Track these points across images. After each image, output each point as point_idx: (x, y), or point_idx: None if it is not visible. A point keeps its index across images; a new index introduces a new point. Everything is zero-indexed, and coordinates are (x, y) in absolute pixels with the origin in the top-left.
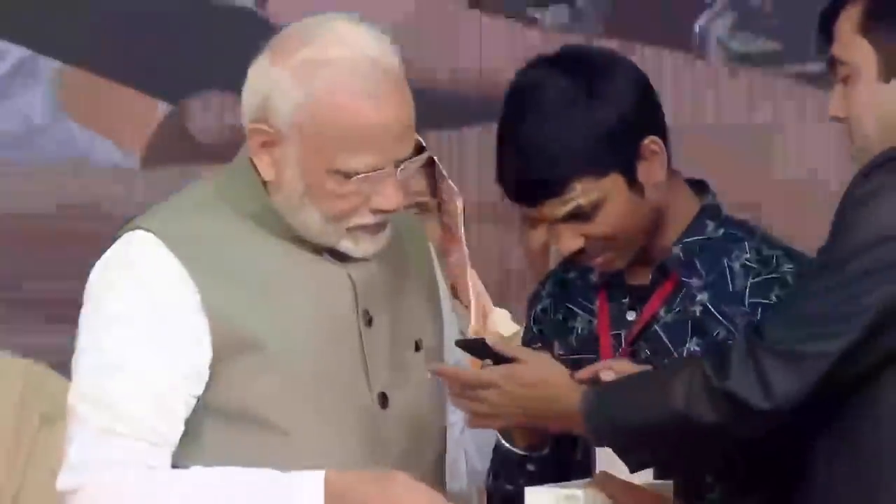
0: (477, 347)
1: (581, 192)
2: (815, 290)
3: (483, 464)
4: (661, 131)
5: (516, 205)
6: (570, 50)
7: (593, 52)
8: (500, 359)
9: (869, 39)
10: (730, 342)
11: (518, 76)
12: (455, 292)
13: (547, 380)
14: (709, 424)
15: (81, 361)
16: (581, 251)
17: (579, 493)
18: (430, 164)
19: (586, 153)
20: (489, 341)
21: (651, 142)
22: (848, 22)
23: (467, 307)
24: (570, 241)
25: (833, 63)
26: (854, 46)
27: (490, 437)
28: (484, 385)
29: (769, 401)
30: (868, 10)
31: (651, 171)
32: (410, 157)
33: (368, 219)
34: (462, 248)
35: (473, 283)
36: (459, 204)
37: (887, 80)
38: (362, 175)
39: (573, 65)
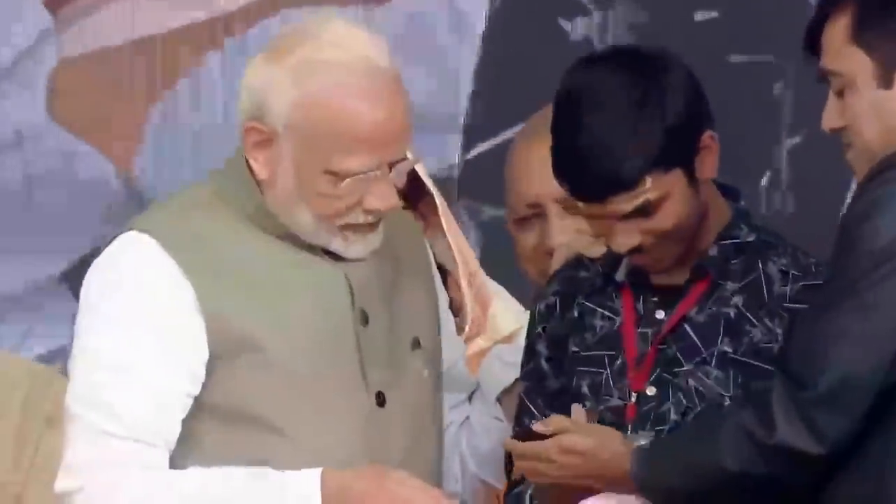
0: (526, 436)
1: (651, 187)
2: (834, 318)
3: (478, 465)
4: (713, 125)
5: (577, 200)
6: (620, 48)
7: (642, 48)
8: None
9: (862, 48)
10: (766, 392)
11: (573, 74)
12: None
13: (599, 445)
14: (765, 479)
15: (79, 363)
16: (635, 248)
17: None
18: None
19: (659, 147)
20: (536, 428)
21: (709, 136)
22: (837, 32)
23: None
24: (628, 237)
25: (825, 75)
26: (847, 56)
27: (485, 441)
28: (541, 458)
29: (822, 445)
30: (859, 19)
31: (706, 165)
32: (404, 158)
33: (361, 218)
34: (449, 244)
35: (471, 277)
36: (440, 202)
37: (887, 87)
38: (356, 176)
39: (633, 61)
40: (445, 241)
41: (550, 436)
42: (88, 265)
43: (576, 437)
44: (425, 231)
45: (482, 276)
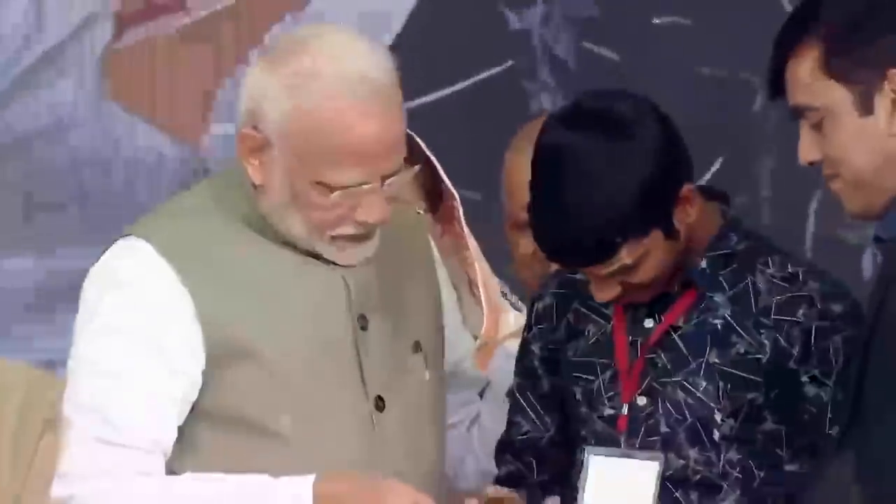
0: None
1: (627, 254)
2: None
3: (491, 463)
4: (690, 173)
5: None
6: (591, 103)
7: (616, 101)
8: None
9: (837, 79)
10: None
11: (547, 136)
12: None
13: None
14: None
15: (75, 370)
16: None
17: None
18: (429, 165)
19: (633, 217)
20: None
21: (686, 191)
22: (805, 67)
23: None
24: (607, 292)
25: (797, 111)
26: (821, 90)
27: (497, 437)
28: None
29: None
30: (829, 51)
31: (685, 215)
32: (397, 172)
33: (352, 230)
34: (466, 248)
35: (485, 284)
36: (457, 205)
37: (868, 113)
38: (347, 189)
39: (603, 122)
40: (465, 245)
41: None
42: None
43: None
44: (442, 236)
45: (493, 280)
